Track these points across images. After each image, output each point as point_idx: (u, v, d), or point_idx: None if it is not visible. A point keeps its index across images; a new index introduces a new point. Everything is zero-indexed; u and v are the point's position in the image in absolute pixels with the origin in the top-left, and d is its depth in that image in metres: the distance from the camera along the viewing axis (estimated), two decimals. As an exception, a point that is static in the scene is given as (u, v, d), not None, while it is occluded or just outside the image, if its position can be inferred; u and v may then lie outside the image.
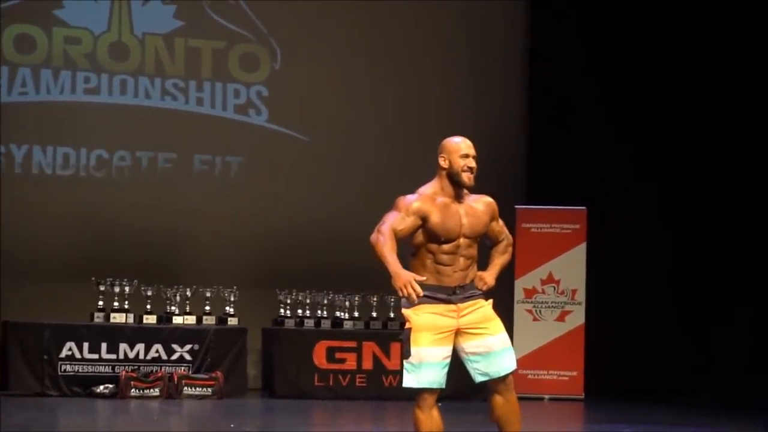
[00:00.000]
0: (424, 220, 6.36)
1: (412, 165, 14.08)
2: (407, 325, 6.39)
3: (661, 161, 14.58)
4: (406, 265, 6.39)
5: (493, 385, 6.49)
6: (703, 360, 13.98)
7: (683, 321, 14.47)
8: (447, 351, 6.39)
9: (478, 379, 6.47)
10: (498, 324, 6.49)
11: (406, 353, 6.37)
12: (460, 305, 6.39)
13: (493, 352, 6.42)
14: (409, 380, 6.37)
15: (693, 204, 14.39)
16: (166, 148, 14.03)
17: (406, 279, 6.14)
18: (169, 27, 14.10)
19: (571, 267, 13.63)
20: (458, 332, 6.41)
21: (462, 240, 6.40)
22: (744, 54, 13.76)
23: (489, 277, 6.54)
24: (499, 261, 6.68)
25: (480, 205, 6.55)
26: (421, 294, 6.17)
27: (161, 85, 14.03)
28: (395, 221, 6.31)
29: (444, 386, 6.42)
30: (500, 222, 6.71)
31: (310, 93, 14.50)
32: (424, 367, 6.33)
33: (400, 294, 6.19)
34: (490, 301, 6.56)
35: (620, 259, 14.28)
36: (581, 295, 13.63)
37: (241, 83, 14.33)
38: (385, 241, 6.24)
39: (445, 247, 6.38)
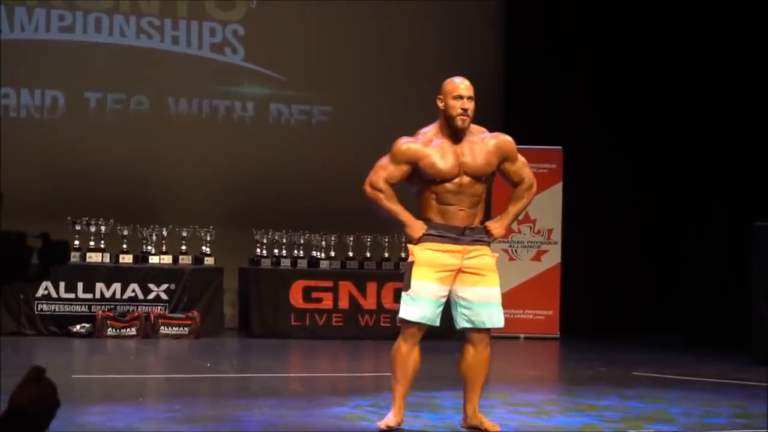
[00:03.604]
0: (415, 163, 6.37)
1: (386, 106, 14.04)
2: (410, 259, 6.41)
3: (636, 101, 14.57)
4: (413, 203, 6.52)
5: (470, 335, 6.49)
6: (677, 300, 14.04)
7: (658, 260, 14.53)
8: (445, 290, 6.39)
9: (461, 324, 6.44)
10: (496, 278, 6.45)
11: (405, 285, 6.39)
12: (467, 247, 6.39)
13: (484, 303, 6.39)
14: (407, 312, 6.37)
15: (669, 142, 14.40)
16: (141, 87, 13.93)
17: (420, 229, 6.36)
18: (144, -36, 13.97)
19: (547, 207, 13.66)
20: (457, 273, 6.39)
21: (464, 178, 6.36)
22: (709, 7, 13.72)
23: (496, 228, 6.50)
24: (512, 209, 6.59)
25: (489, 144, 6.47)
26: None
27: (136, 24, 13.89)
28: (387, 173, 6.40)
29: (437, 324, 6.43)
30: (519, 161, 6.57)
31: (286, 32, 14.40)
32: (421, 302, 6.34)
33: (413, 241, 6.39)
34: (496, 255, 6.56)
35: (596, 199, 14.31)
36: (557, 235, 13.69)
37: (217, 22, 14.21)
38: (386, 196, 6.40)
39: (448, 186, 6.35)
